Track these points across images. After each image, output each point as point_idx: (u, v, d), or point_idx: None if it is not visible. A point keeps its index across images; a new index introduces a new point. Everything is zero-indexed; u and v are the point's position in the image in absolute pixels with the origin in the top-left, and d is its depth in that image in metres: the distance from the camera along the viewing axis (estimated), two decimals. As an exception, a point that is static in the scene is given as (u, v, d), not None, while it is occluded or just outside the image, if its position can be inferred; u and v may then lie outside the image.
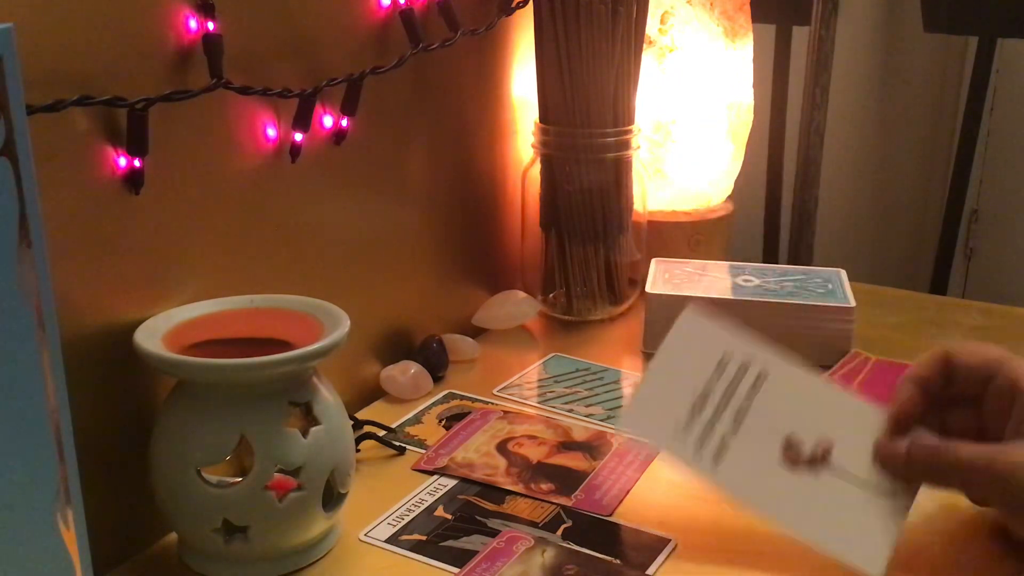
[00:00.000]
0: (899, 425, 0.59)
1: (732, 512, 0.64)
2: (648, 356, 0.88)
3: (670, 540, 0.62)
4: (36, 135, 0.39)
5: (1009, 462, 0.54)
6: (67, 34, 0.53)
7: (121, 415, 0.59)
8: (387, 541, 0.62)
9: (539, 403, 0.80)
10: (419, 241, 0.84)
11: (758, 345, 0.63)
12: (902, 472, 0.58)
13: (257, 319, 0.62)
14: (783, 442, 0.59)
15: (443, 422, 0.76)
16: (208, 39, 0.60)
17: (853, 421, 0.61)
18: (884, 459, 0.58)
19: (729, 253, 1.06)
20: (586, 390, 0.82)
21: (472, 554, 0.60)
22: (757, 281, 0.90)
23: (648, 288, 0.89)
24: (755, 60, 1.04)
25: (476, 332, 0.91)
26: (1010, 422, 0.56)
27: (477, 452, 0.71)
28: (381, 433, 0.72)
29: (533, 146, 0.93)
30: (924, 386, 0.60)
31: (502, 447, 0.72)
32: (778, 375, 0.62)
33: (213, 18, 0.59)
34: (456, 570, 0.58)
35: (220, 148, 0.63)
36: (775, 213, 1.43)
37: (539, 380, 0.84)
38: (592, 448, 0.72)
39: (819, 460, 0.59)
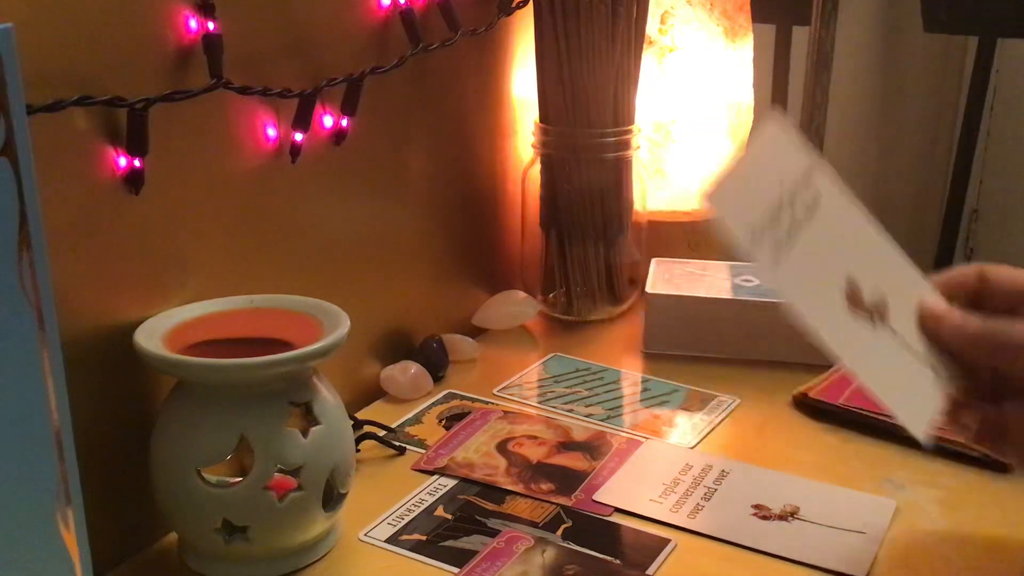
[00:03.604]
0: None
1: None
2: (648, 356, 0.88)
3: (670, 540, 0.62)
4: (36, 135, 0.39)
5: None
6: (67, 34, 0.53)
7: (121, 415, 0.59)
8: (387, 541, 0.62)
9: (539, 403, 0.80)
10: (419, 241, 0.84)
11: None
12: (948, 341, 0.55)
13: (257, 319, 0.62)
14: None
15: (443, 422, 0.76)
16: (208, 39, 0.60)
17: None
18: (932, 326, 0.55)
19: (729, 253, 1.05)
20: (586, 390, 0.82)
21: (472, 554, 0.60)
22: (757, 281, 0.90)
23: (648, 288, 0.89)
24: (755, 60, 1.04)
25: (476, 332, 0.91)
26: None
27: (477, 452, 0.71)
28: (381, 433, 0.72)
29: (533, 146, 0.93)
30: (951, 286, 0.57)
31: (502, 447, 0.72)
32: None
33: (213, 18, 0.59)
34: (456, 570, 0.58)
35: (220, 148, 0.63)
36: (775, 213, 1.42)
37: (539, 380, 0.84)
38: (592, 448, 0.72)
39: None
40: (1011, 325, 0.53)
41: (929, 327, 0.56)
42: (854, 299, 0.55)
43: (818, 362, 0.84)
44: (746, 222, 0.53)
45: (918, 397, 0.55)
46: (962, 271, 0.58)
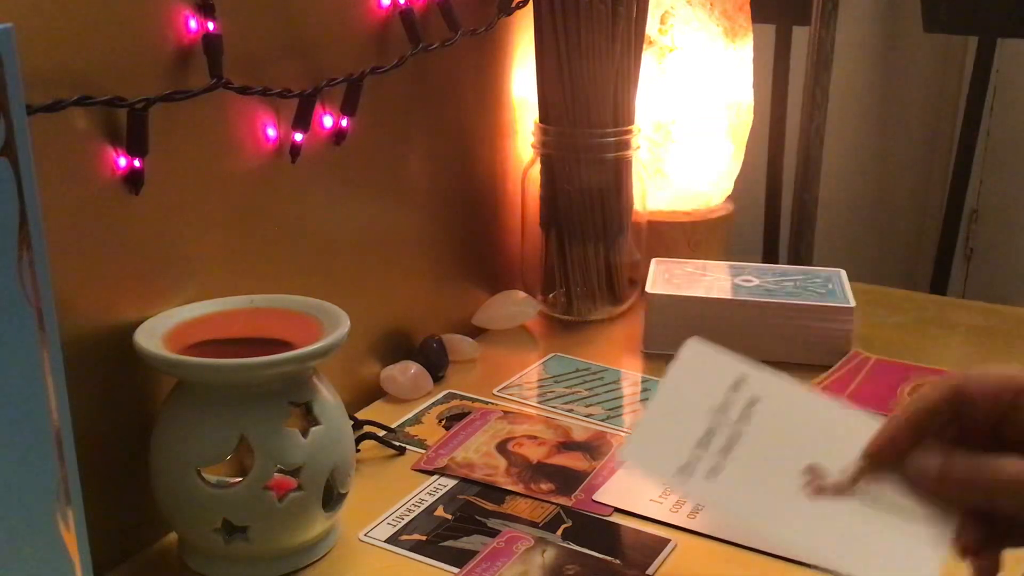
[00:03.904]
0: (874, 459, 0.51)
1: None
2: (648, 356, 0.88)
3: (670, 540, 0.62)
4: (36, 135, 0.39)
5: None
6: (67, 34, 0.53)
7: (121, 415, 0.59)
8: (387, 541, 0.62)
9: (539, 403, 0.80)
10: (419, 241, 0.84)
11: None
12: (935, 492, 0.50)
13: (257, 319, 0.62)
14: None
15: (443, 422, 0.76)
16: (208, 39, 0.60)
17: None
18: (913, 478, 0.50)
19: (729, 253, 1.06)
20: (586, 390, 0.82)
21: (472, 554, 0.60)
22: (757, 281, 0.90)
23: (648, 288, 0.89)
24: (755, 60, 1.04)
25: (476, 332, 0.91)
26: None
27: (477, 452, 0.71)
28: (381, 433, 0.72)
29: (533, 146, 0.93)
30: (921, 420, 0.51)
31: (502, 447, 0.72)
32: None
33: (213, 18, 0.59)
34: (456, 570, 0.58)
35: (220, 148, 0.63)
36: (775, 213, 1.42)
37: (539, 380, 0.84)
38: (592, 448, 0.72)
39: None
40: (995, 461, 0.48)
41: (912, 482, 0.50)
42: (816, 486, 0.51)
43: (818, 362, 0.84)
44: (670, 466, 0.51)
45: (914, 559, 0.50)
46: (934, 395, 0.51)
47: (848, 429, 0.54)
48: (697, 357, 0.57)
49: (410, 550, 0.61)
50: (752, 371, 0.56)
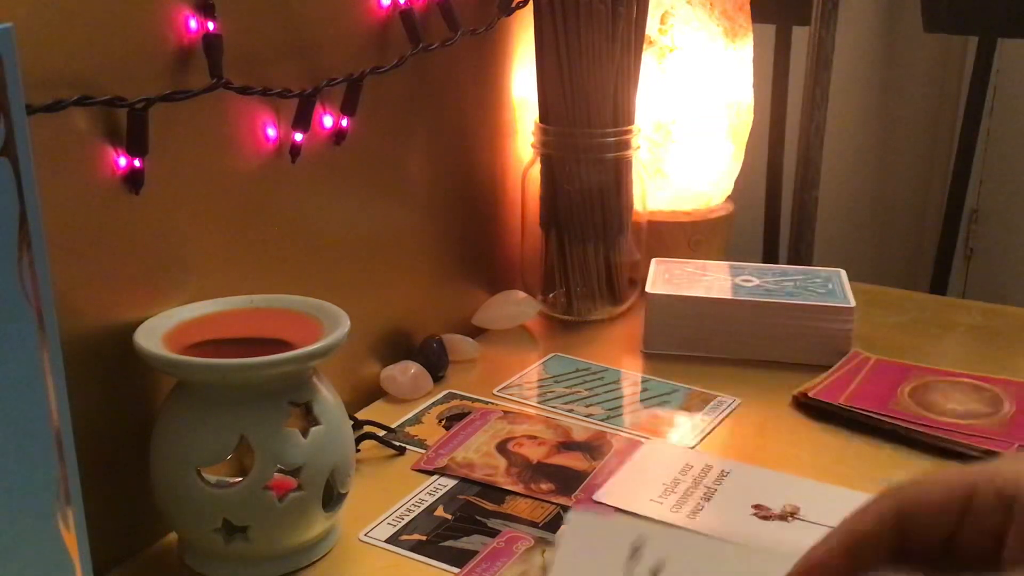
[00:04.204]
0: None
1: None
2: (648, 356, 0.88)
3: (670, 540, 0.62)
4: (36, 135, 0.39)
5: None
6: (67, 34, 0.53)
7: (121, 415, 0.59)
8: (387, 541, 0.62)
9: (539, 403, 0.80)
10: (419, 241, 0.84)
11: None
12: None
13: (257, 319, 0.62)
14: None
15: (443, 422, 0.76)
16: (208, 39, 0.60)
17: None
18: None
19: (729, 253, 1.06)
20: (586, 390, 0.82)
21: (472, 554, 0.60)
22: (757, 281, 0.90)
23: (648, 288, 0.89)
24: (755, 60, 1.04)
25: (476, 332, 0.91)
26: (1010, 540, 0.40)
27: (477, 452, 0.71)
28: (381, 433, 0.72)
29: (533, 146, 0.93)
30: (860, 550, 0.43)
31: (502, 447, 0.72)
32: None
33: (213, 18, 0.59)
34: (456, 570, 0.58)
35: (220, 148, 0.63)
36: (775, 213, 1.43)
37: (539, 380, 0.84)
38: (592, 448, 0.72)
39: None
40: None
41: None
42: None
43: (818, 362, 0.84)
44: None
45: None
46: (871, 519, 0.44)
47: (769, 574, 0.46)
48: (583, 531, 0.50)
49: (410, 550, 0.61)
50: (647, 529, 0.50)
